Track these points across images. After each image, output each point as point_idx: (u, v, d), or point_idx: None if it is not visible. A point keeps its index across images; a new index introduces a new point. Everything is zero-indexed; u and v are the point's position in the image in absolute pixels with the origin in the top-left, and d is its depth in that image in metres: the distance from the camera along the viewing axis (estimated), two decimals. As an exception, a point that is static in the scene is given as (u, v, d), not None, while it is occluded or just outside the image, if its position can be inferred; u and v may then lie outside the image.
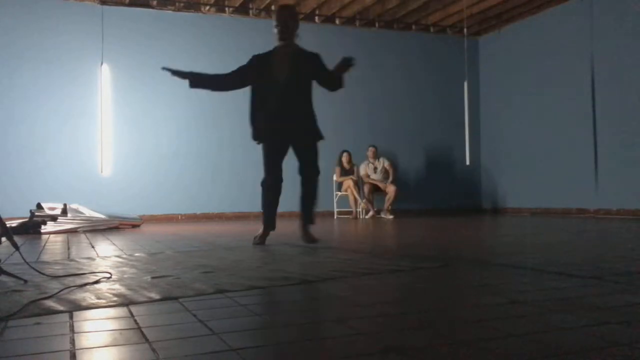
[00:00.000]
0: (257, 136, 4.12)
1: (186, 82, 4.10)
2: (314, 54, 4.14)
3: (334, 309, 1.67)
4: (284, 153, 4.14)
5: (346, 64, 4.05)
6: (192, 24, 8.71)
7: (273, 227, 4.16)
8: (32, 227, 5.73)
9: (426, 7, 9.19)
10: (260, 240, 4.07)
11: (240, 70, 4.14)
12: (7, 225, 2.37)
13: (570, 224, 6.06)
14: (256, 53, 4.21)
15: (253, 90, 4.14)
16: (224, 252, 3.43)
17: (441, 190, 9.86)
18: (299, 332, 1.39)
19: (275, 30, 4.11)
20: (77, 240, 4.78)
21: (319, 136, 4.12)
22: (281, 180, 4.13)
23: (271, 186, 4.11)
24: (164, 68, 4.00)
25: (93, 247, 4.04)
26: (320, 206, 9.17)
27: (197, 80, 4.12)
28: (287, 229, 4.99)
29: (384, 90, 9.70)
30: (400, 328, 1.44)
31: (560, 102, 8.53)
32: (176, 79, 4.09)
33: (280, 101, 4.02)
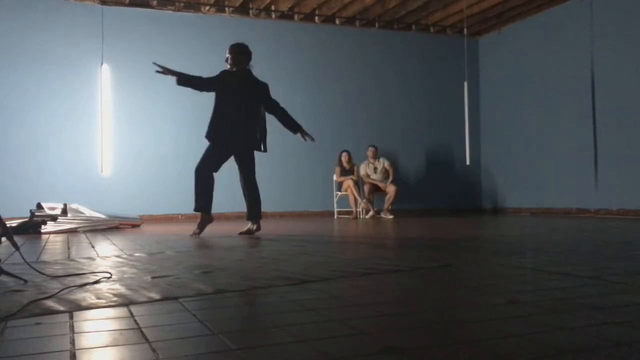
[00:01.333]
0: (209, 136, 4.92)
1: (174, 79, 4.71)
2: (262, 83, 4.98)
3: (334, 309, 1.67)
4: (224, 158, 4.96)
5: (302, 132, 5.03)
6: (192, 24, 8.71)
7: (207, 213, 4.87)
8: (32, 227, 5.72)
9: (426, 7, 9.19)
10: (198, 230, 4.82)
11: (211, 80, 4.90)
12: (7, 225, 2.37)
13: (570, 224, 6.06)
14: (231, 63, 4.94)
15: (217, 98, 4.93)
16: (224, 252, 3.43)
17: (441, 190, 9.86)
18: (299, 332, 1.39)
19: (228, 62, 4.91)
20: (77, 240, 4.78)
21: (257, 148, 4.94)
22: (211, 175, 4.87)
23: (198, 170, 4.82)
24: (155, 63, 4.55)
25: (93, 247, 4.04)
26: (321, 206, 9.28)
27: (183, 79, 4.74)
28: (285, 228, 4.99)
29: (384, 90, 9.70)
30: (400, 328, 1.44)
31: (560, 102, 8.53)
32: (163, 75, 4.69)
33: (230, 116, 4.85)
